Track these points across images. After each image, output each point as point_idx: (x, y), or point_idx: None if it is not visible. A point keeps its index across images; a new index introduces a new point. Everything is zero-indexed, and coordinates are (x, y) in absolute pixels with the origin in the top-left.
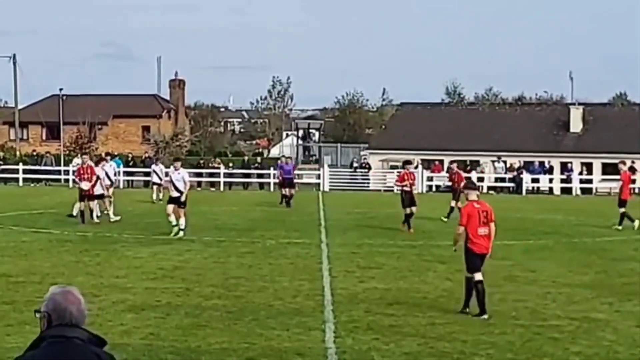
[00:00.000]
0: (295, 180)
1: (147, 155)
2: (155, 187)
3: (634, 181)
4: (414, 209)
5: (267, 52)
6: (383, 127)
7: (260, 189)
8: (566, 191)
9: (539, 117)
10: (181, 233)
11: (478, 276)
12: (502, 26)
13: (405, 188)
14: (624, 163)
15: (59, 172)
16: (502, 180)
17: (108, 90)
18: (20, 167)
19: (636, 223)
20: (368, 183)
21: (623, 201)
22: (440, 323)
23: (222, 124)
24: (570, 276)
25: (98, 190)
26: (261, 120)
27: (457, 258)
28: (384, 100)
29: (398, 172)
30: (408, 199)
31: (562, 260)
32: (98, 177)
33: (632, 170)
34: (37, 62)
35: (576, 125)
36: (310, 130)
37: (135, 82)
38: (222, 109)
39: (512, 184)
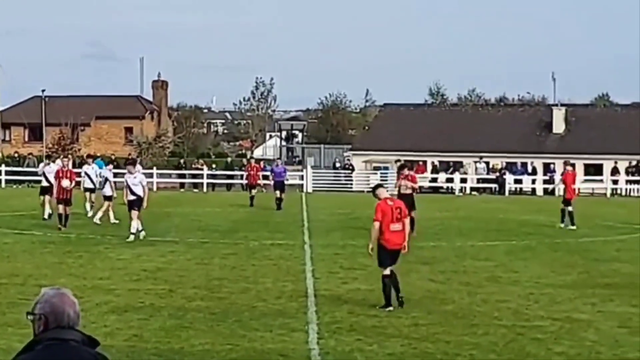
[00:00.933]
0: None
1: (130, 156)
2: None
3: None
4: (413, 213)
5: (250, 52)
6: (366, 128)
7: (243, 190)
8: (549, 192)
9: (521, 118)
10: (132, 237)
11: (386, 271)
12: (485, 27)
13: (406, 191)
14: (567, 163)
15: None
16: (485, 181)
17: (92, 91)
18: (3, 168)
19: (562, 225)
20: (351, 184)
21: (567, 200)
22: (424, 324)
23: (205, 125)
24: (553, 277)
25: (107, 191)
26: (244, 122)
27: (440, 259)
28: (367, 101)
29: (383, 173)
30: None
31: (545, 261)
32: (106, 179)
33: (615, 171)
34: (21, 62)
35: (559, 126)
36: (294, 132)
37: (119, 83)
38: (205, 110)
39: (494, 185)
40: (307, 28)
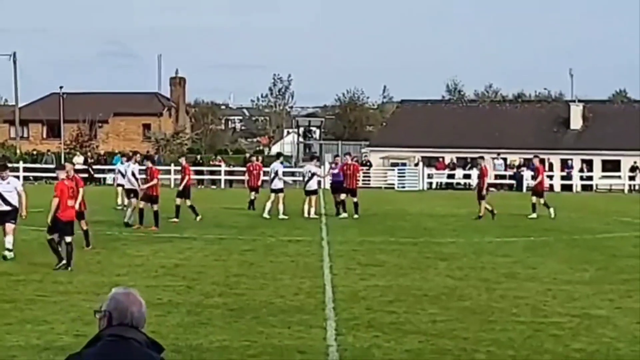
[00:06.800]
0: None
1: (148, 153)
2: (120, 189)
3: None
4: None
5: (268, 50)
6: (384, 124)
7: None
8: (566, 188)
9: (539, 114)
10: (9, 254)
11: (53, 236)
12: (502, 23)
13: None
14: (348, 154)
15: None
16: (503, 177)
17: (110, 89)
18: (21, 165)
19: (345, 215)
20: (369, 180)
21: (354, 190)
22: (442, 320)
23: (223, 121)
24: (570, 273)
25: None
26: (262, 118)
27: (457, 255)
28: (384, 97)
29: (400, 170)
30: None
31: (563, 257)
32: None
33: (634, 169)
34: (41, 60)
35: (576, 122)
36: (311, 128)
37: (137, 81)
38: (223, 107)
39: (512, 181)
40: (324, 25)
